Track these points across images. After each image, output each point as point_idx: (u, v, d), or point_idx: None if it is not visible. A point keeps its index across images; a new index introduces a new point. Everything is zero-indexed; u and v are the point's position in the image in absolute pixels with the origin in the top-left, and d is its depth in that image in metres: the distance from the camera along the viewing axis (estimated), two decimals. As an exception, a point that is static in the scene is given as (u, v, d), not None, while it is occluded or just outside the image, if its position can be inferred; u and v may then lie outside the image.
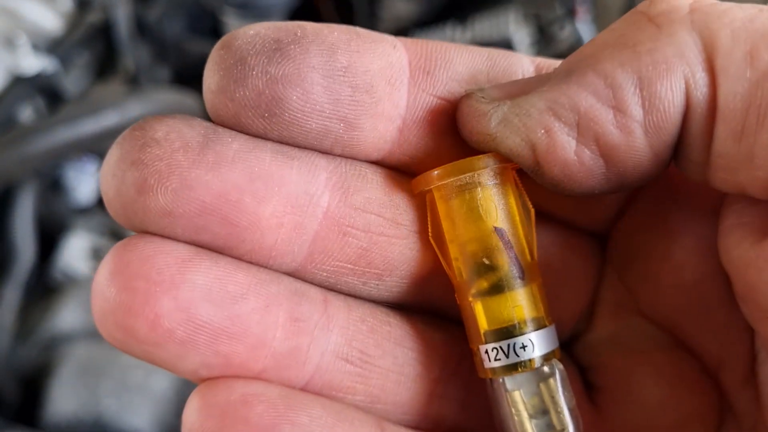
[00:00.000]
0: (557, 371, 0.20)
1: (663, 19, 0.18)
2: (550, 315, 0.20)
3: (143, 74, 0.98)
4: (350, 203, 0.20)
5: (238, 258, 0.19)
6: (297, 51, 0.19)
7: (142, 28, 0.99)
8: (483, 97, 0.20)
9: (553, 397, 0.20)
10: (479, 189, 0.20)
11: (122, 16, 0.96)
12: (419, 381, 0.22)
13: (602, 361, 0.23)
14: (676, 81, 0.18)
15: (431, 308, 0.23)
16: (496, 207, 0.20)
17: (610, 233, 0.23)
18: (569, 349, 0.24)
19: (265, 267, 0.20)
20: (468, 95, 0.20)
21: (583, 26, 0.80)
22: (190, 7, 1.01)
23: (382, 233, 0.20)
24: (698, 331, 0.22)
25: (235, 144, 0.19)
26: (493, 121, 0.19)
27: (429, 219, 0.21)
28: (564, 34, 0.81)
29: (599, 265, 0.24)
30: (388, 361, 0.21)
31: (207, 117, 0.68)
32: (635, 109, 0.18)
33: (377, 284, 0.21)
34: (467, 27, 0.87)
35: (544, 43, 0.84)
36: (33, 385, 0.77)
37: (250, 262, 0.19)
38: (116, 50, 0.99)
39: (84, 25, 0.98)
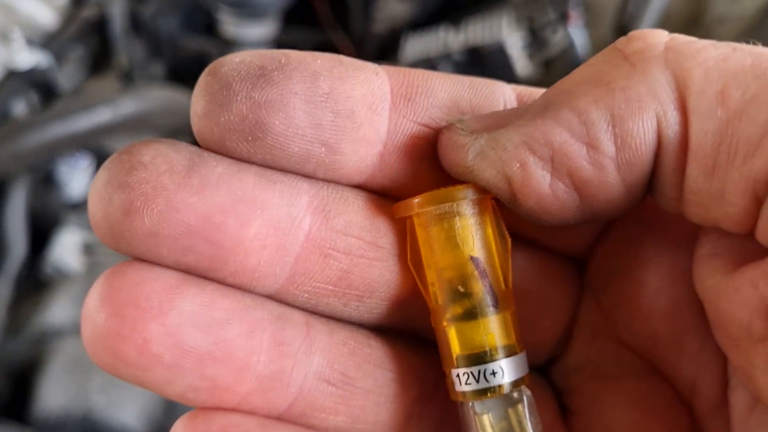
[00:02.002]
0: (525, 398, 0.20)
1: (637, 57, 0.19)
2: (521, 342, 0.21)
3: (137, 70, 0.97)
4: (331, 226, 0.20)
5: (222, 280, 0.19)
6: (280, 77, 0.19)
7: (136, 24, 0.98)
8: (462, 129, 0.20)
9: (520, 422, 0.20)
10: (457, 218, 0.20)
11: (117, 11, 0.96)
12: (398, 401, 0.22)
13: (577, 386, 0.23)
14: (648, 119, 0.18)
15: (410, 330, 0.23)
16: (473, 236, 0.20)
17: (588, 258, 0.24)
18: (546, 373, 0.25)
19: (249, 288, 0.20)
20: (448, 127, 0.21)
21: (575, 30, 0.80)
22: (185, 4, 1.00)
23: (363, 255, 0.21)
24: (672, 356, 0.22)
25: (219, 168, 0.19)
26: (470, 154, 0.20)
27: (408, 244, 0.21)
28: (556, 38, 0.81)
29: (577, 290, 0.24)
30: (368, 383, 0.22)
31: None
32: (608, 146, 0.19)
33: (357, 306, 0.21)
34: (460, 29, 0.87)
35: (536, 46, 0.83)
36: (23, 380, 0.76)
37: (234, 284, 0.20)
38: (111, 46, 0.98)
39: (79, 20, 0.97)
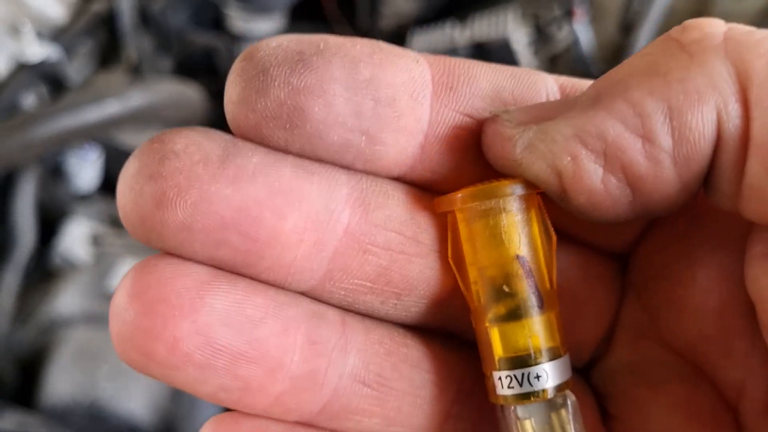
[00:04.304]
0: (569, 402, 0.19)
1: (696, 47, 0.18)
2: (565, 344, 0.20)
3: (146, 64, 0.97)
4: (371, 220, 0.19)
5: (257, 275, 0.19)
6: (319, 63, 0.18)
7: (145, 18, 0.98)
8: (509, 121, 0.19)
9: (563, 428, 0.19)
10: (503, 215, 0.19)
11: (126, 6, 0.95)
12: (435, 402, 0.21)
13: (618, 390, 0.22)
14: (708, 112, 0.17)
15: (448, 330, 0.22)
16: (519, 234, 0.19)
17: (632, 256, 0.23)
18: (586, 375, 0.23)
19: (284, 285, 0.19)
20: (493, 119, 0.20)
21: (581, 27, 0.80)
22: (194, -2, 1.00)
23: (402, 251, 0.20)
24: (719, 358, 0.21)
25: (255, 158, 0.18)
26: (518, 147, 0.19)
27: (450, 240, 0.20)
28: (561, 34, 0.80)
29: (620, 290, 0.23)
30: (404, 384, 0.21)
31: (206, 108, 0.68)
32: (664, 139, 0.18)
33: (395, 304, 0.20)
34: (466, 25, 0.87)
35: (542, 42, 0.83)
36: (31, 368, 0.76)
37: (269, 280, 0.19)
38: (120, 40, 0.98)
39: (88, 13, 0.96)
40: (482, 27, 0.83)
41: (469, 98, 0.20)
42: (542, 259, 0.20)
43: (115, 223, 0.89)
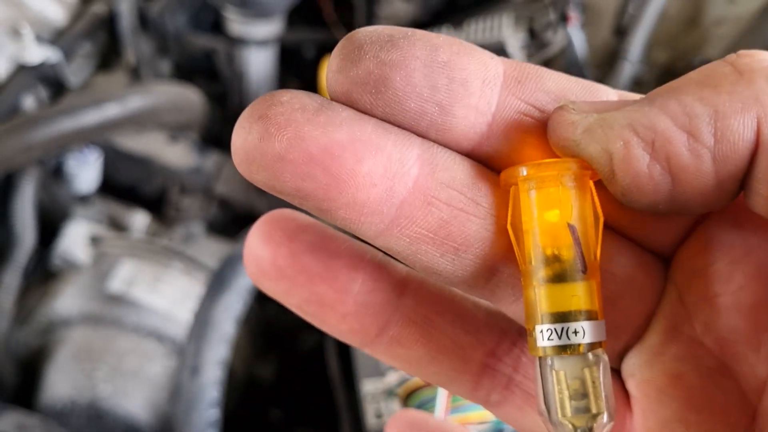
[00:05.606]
0: (601, 361, 0.21)
1: (746, 68, 0.20)
2: (603, 313, 0.22)
3: (145, 67, 0.97)
4: (437, 178, 0.22)
5: (335, 211, 0.21)
6: (405, 43, 0.21)
7: (144, 21, 0.98)
8: (574, 109, 0.22)
9: (594, 383, 0.21)
10: (560, 187, 0.22)
11: (125, 8, 0.95)
12: (476, 348, 0.24)
13: (641, 374, 0.24)
14: (749, 119, 0.19)
15: (495, 295, 0.25)
16: (572, 207, 0.22)
17: (676, 255, 0.24)
18: (618, 362, 0.25)
19: (357, 224, 0.22)
20: (561, 107, 0.22)
21: (575, 32, 0.80)
22: (193, 1, 1.00)
23: (462, 209, 0.22)
24: (748, 353, 0.23)
25: (344, 113, 0.21)
26: (579, 129, 0.21)
27: (510, 208, 0.22)
28: (556, 38, 0.81)
29: (662, 286, 0.24)
30: (447, 328, 0.24)
31: (206, 111, 0.69)
32: (707, 137, 0.20)
33: (453, 259, 0.23)
34: (462, 30, 0.87)
35: (536, 47, 0.84)
36: (30, 368, 0.76)
37: (345, 218, 0.22)
38: (118, 42, 0.98)
39: (87, 16, 0.96)
40: (477, 31, 0.84)
41: (536, 92, 0.22)
42: (589, 233, 0.22)
43: (114, 224, 0.89)
